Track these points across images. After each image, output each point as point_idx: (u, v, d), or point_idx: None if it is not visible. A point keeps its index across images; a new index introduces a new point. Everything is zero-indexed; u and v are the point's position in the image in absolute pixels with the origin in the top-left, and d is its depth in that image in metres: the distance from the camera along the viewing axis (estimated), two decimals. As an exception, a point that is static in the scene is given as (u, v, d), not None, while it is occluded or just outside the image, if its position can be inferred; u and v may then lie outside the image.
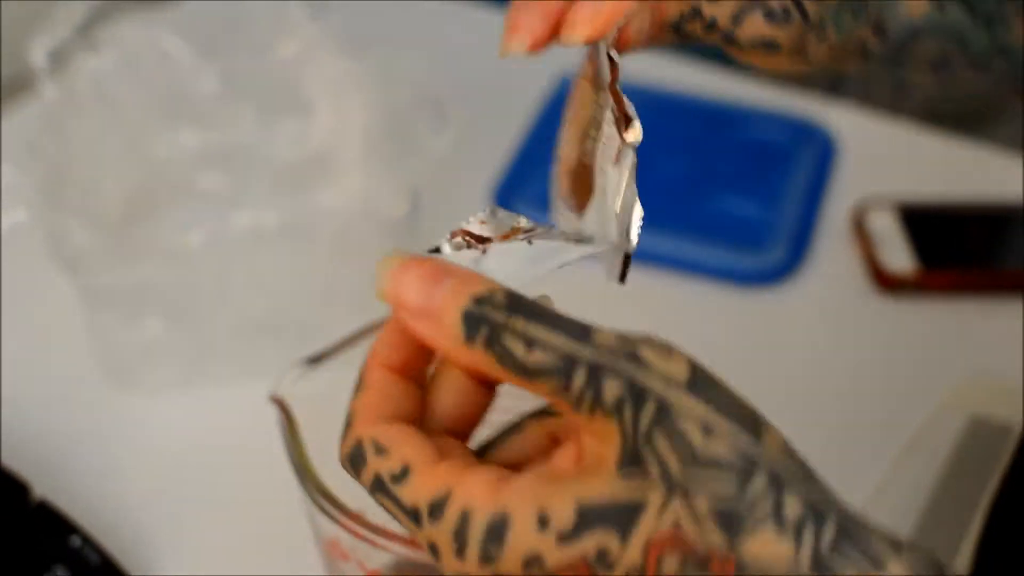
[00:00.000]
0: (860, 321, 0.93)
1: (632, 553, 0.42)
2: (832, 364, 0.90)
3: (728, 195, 1.00)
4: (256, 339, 0.84)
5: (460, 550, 0.44)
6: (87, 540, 0.73)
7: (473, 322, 0.44)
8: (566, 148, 0.56)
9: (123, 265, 0.80)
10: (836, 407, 0.87)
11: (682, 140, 1.05)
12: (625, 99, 0.52)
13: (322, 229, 0.81)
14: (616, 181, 0.53)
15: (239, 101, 0.91)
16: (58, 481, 0.77)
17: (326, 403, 0.64)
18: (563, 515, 0.43)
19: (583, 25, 0.53)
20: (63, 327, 0.88)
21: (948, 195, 1.00)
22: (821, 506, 0.43)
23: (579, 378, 0.44)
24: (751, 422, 0.44)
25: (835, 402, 0.87)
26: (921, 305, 0.93)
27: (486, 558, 0.44)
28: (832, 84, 1.15)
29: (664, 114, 1.07)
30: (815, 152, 1.04)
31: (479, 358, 0.45)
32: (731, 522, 0.42)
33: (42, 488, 0.75)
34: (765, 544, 0.42)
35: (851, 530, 0.42)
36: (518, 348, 0.44)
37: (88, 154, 0.86)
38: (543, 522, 0.43)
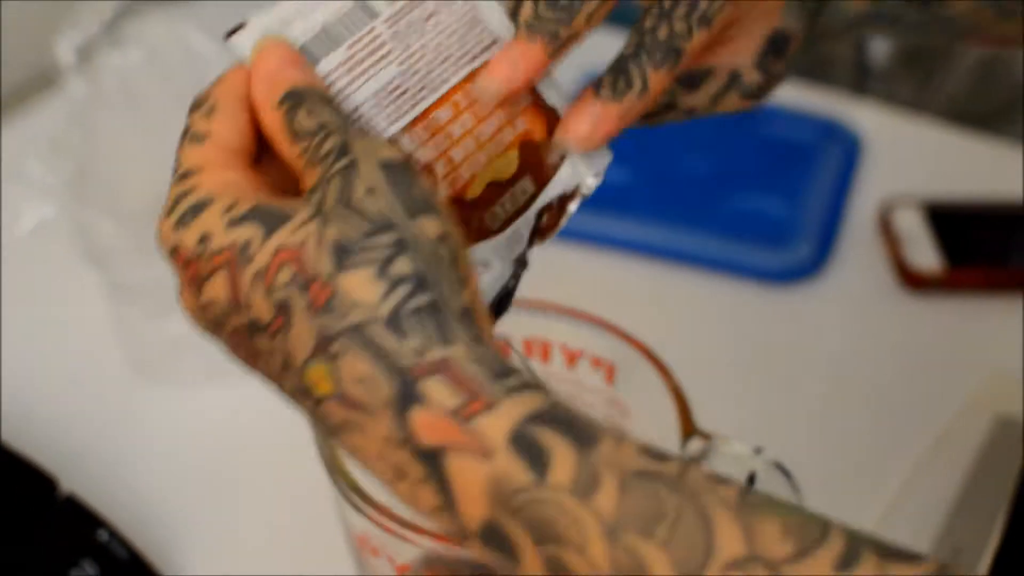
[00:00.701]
0: (886, 319, 0.93)
1: (264, 253, 0.47)
2: (858, 362, 0.90)
3: (753, 193, 1.00)
4: (282, 335, 0.84)
5: (169, 211, 0.50)
6: (114, 534, 0.73)
7: (289, 94, 0.51)
8: (462, 172, 0.56)
9: (149, 261, 0.80)
10: (861, 405, 0.87)
11: (707, 138, 1.04)
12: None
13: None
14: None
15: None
16: (85, 475, 0.77)
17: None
18: (242, 208, 0.48)
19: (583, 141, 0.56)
20: (90, 322, 0.88)
21: (974, 193, 0.99)
22: (429, 286, 0.46)
23: (318, 138, 0.49)
24: (421, 210, 0.48)
25: (860, 400, 0.87)
26: (947, 303, 0.93)
27: (180, 223, 0.49)
28: (857, 82, 1.15)
29: (689, 112, 1.06)
30: (840, 150, 1.04)
31: (276, 117, 0.50)
32: (342, 255, 0.46)
33: (69, 482, 0.75)
34: (359, 282, 0.46)
35: (443, 315, 0.46)
36: (301, 116, 0.50)
37: (114, 150, 0.86)
38: (228, 209, 0.48)
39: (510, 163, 0.56)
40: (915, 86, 1.16)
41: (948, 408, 0.85)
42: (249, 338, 0.48)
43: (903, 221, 0.97)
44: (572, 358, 0.68)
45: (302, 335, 0.46)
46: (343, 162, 0.48)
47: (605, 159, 0.58)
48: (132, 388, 0.86)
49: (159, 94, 0.89)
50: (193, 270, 0.49)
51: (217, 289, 0.48)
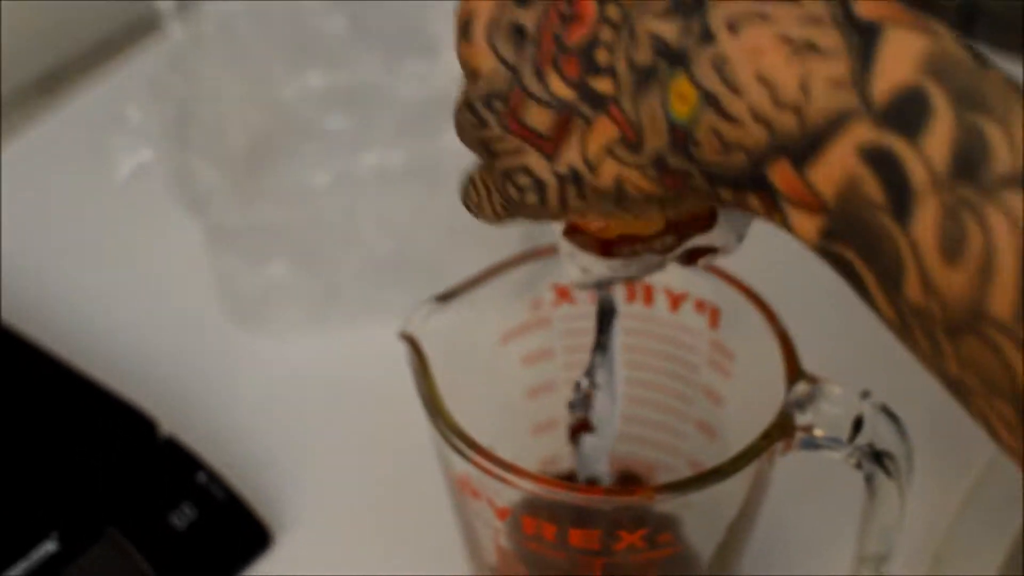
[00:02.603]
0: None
1: None
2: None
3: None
4: (382, 280, 0.84)
5: None
6: (214, 477, 0.73)
7: None
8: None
9: (249, 206, 0.80)
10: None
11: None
12: None
13: (450, 168, 0.80)
14: None
15: (366, 42, 0.90)
16: (183, 420, 0.77)
17: (454, 341, 0.64)
18: None
19: None
20: (188, 267, 0.88)
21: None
22: None
23: None
24: None
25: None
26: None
27: None
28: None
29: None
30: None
31: None
32: None
33: (168, 427, 0.75)
34: None
35: None
36: None
37: (214, 95, 0.86)
38: None
39: (650, 226, 0.55)
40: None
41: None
42: None
43: None
44: (676, 302, 0.67)
45: None
46: None
47: (747, 222, 0.56)
48: (230, 334, 0.85)
49: (260, 39, 0.89)
50: None
51: None
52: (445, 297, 0.64)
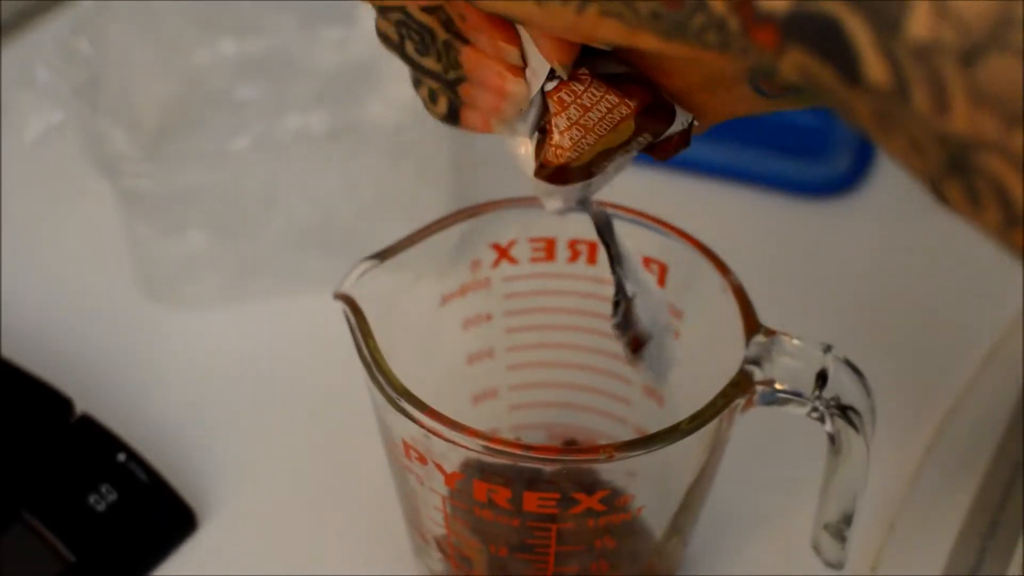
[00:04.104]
0: (931, 229, 0.89)
1: None
2: (903, 275, 0.86)
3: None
4: (303, 250, 0.80)
5: None
6: (134, 457, 0.69)
7: None
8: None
9: (163, 172, 0.76)
10: (909, 319, 0.83)
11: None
12: None
13: (372, 135, 0.76)
14: None
15: (279, 9, 0.87)
16: (98, 399, 0.73)
17: (391, 304, 0.60)
18: None
19: None
20: (104, 237, 0.83)
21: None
22: None
23: None
24: None
25: (907, 314, 0.83)
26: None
27: None
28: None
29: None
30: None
31: None
32: None
33: (83, 406, 0.71)
34: None
35: None
36: None
37: (123, 61, 0.82)
38: None
39: (622, 134, 0.54)
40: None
41: (1000, 318, 0.81)
42: None
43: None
44: (621, 259, 0.64)
45: None
46: None
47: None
48: (146, 307, 0.81)
49: (170, 5, 0.85)
50: None
51: None
52: (381, 255, 0.61)
